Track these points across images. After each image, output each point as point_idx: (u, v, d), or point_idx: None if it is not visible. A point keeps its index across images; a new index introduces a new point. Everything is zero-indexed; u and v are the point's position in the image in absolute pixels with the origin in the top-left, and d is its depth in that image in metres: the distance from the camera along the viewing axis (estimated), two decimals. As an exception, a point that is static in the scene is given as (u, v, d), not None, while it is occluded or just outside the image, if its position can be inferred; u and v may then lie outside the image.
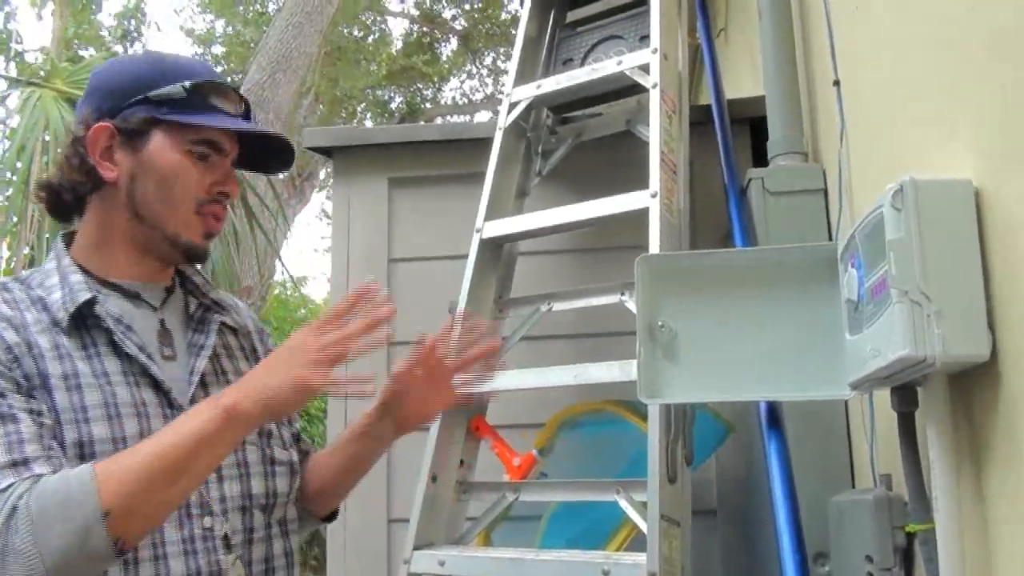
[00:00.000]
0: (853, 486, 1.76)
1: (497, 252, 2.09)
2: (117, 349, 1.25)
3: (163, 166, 1.29)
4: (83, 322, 1.25)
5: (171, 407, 1.25)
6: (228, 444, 1.16)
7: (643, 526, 1.59)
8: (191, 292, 1.41)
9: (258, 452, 1.34)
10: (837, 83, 1.78)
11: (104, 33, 9.73)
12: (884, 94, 1.57)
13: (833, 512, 1.52)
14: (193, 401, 1.27)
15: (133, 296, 1.32)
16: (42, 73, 5.30)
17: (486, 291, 2.05)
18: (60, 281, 1.27)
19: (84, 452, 1.16)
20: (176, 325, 1.36)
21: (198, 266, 1.43)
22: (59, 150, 1.26)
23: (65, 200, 1.33)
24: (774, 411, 1.72)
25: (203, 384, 1.31)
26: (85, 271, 1.30)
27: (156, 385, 1.25)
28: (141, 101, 1.29)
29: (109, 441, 1.17)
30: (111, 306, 1.27)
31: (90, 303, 1.24)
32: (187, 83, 1.30)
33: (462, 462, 1.93)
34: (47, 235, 4.48)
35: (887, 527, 1.34)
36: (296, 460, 1.42)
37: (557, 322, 2.11)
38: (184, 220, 1.31)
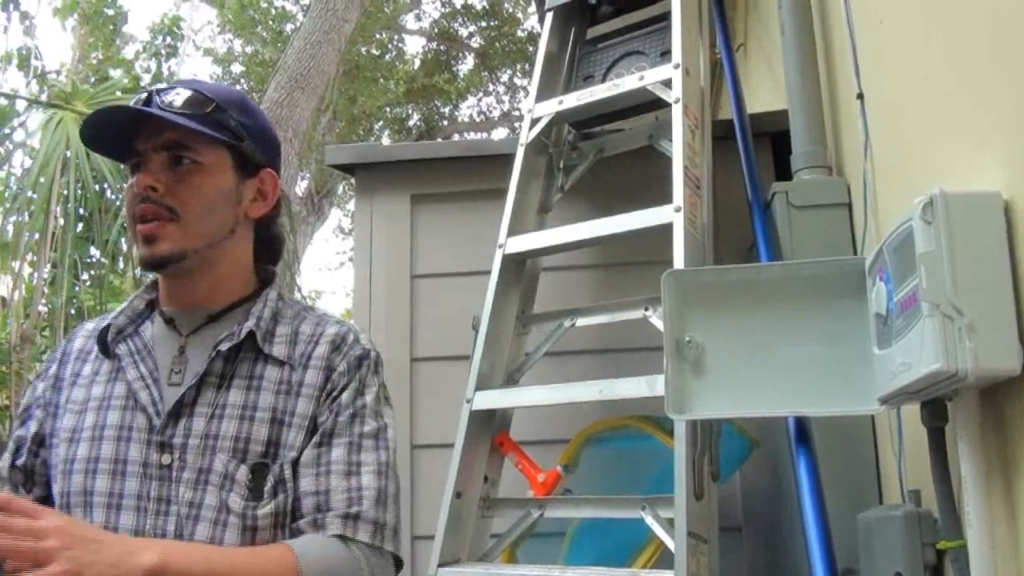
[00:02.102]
0: (880, 502, 1.74)
1: (520, 268, 2.09)
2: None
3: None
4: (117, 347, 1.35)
5: (151, 432, 1.26)
6: None
7: (670, 543, 1.58)
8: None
9: (216, 496, 1.23)
10: (861, 96, 1.77)
11: (130, 54, 9.64)
12: (909, 107, 1.57)
13: (862, 528, 1.51)
14: (163, 429, 1.25)
15: (169, 321, 1.37)
16: (58, 86, 5.36)
17: (509, 307, 2.05)
18: None
19: (67, 468, 1.27)
20: (203, 352, 1.32)
21: (271, 295, 1.38)
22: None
23: None
24: (803, 426, 1.70)
25: (191, 414, 1.26)
26: (154, 301, 1.40)
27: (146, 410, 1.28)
28: None
29: (86, 460, 1.26)
30: (148, 332, 1.36)
31: (104, 331, 1.35)
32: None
33: (486, 478, 1.92)
34: (69, 251, 4.54)
35: (917, 544, 1.33)
36: (258, 515, 1.24)
37: (581, 337, 2.10)
38: (136, 239, 1.31)
